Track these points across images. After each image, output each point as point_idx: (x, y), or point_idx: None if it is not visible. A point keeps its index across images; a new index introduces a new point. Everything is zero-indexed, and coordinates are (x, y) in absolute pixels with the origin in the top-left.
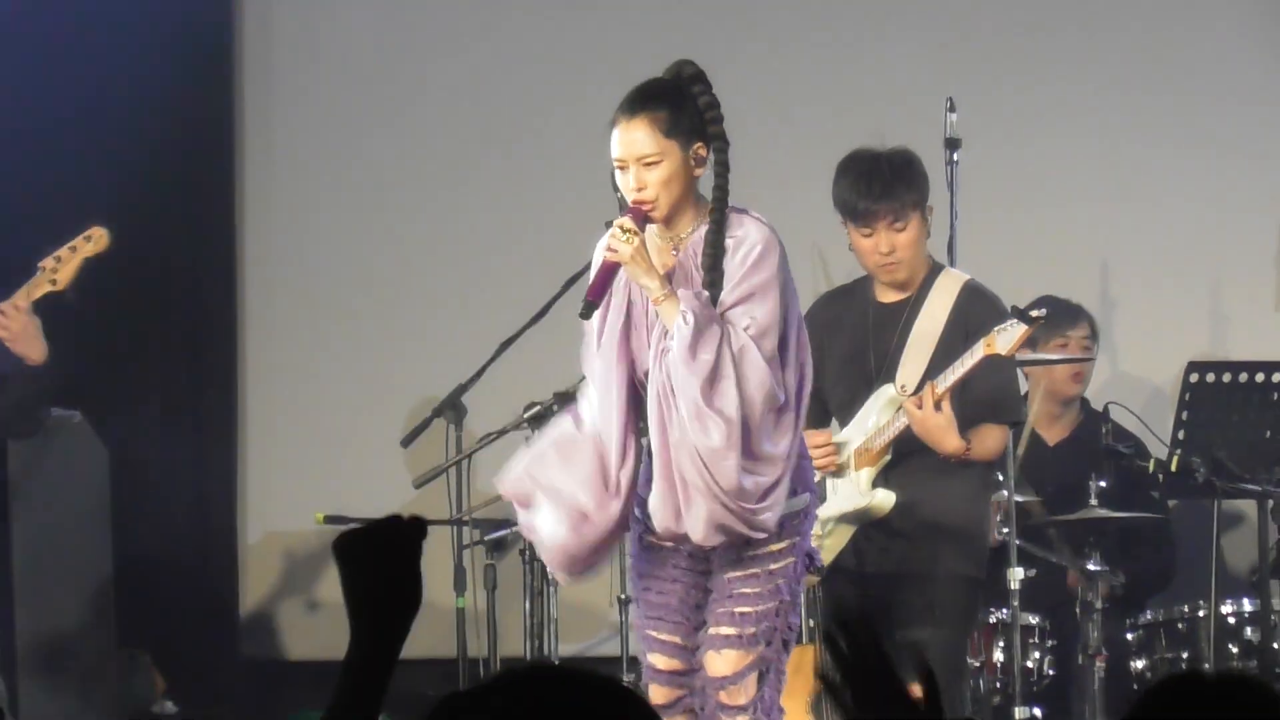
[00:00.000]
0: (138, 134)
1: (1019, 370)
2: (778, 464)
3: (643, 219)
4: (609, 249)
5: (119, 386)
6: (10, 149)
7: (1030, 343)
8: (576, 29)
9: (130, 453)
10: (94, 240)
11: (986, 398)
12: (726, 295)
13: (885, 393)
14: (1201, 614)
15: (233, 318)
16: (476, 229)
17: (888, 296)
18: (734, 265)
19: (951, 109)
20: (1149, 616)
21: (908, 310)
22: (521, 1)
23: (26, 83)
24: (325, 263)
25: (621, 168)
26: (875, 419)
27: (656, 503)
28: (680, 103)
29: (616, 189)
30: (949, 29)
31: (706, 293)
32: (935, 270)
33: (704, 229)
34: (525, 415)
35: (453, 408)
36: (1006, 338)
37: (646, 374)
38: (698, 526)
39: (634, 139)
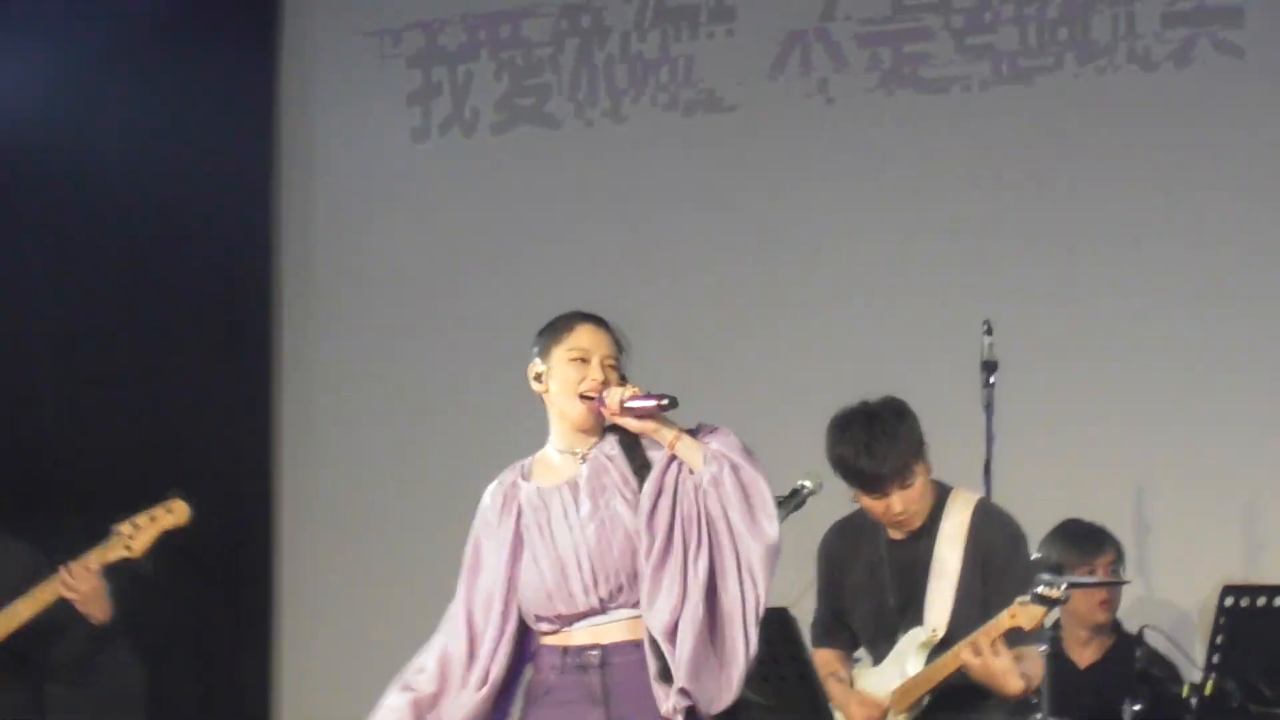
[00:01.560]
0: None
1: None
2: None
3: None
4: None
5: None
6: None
7: (1056, 568)
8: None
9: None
10: (174, 513)
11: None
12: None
13: (917, 637)
14: None
15: (269, 518)
16: (518, 440)
17: (898, 533)
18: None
19: (988, 331)
20: None
21: (922, 544)
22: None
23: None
24: (361, 476)
25: (584, 359)
26: (912, 663)
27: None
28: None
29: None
30: (986, 250)
31: None
32: (944, 494)
33: (610, 440)
34: None
35: None
36: (1029, 614)
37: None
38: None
39: (603, 340)
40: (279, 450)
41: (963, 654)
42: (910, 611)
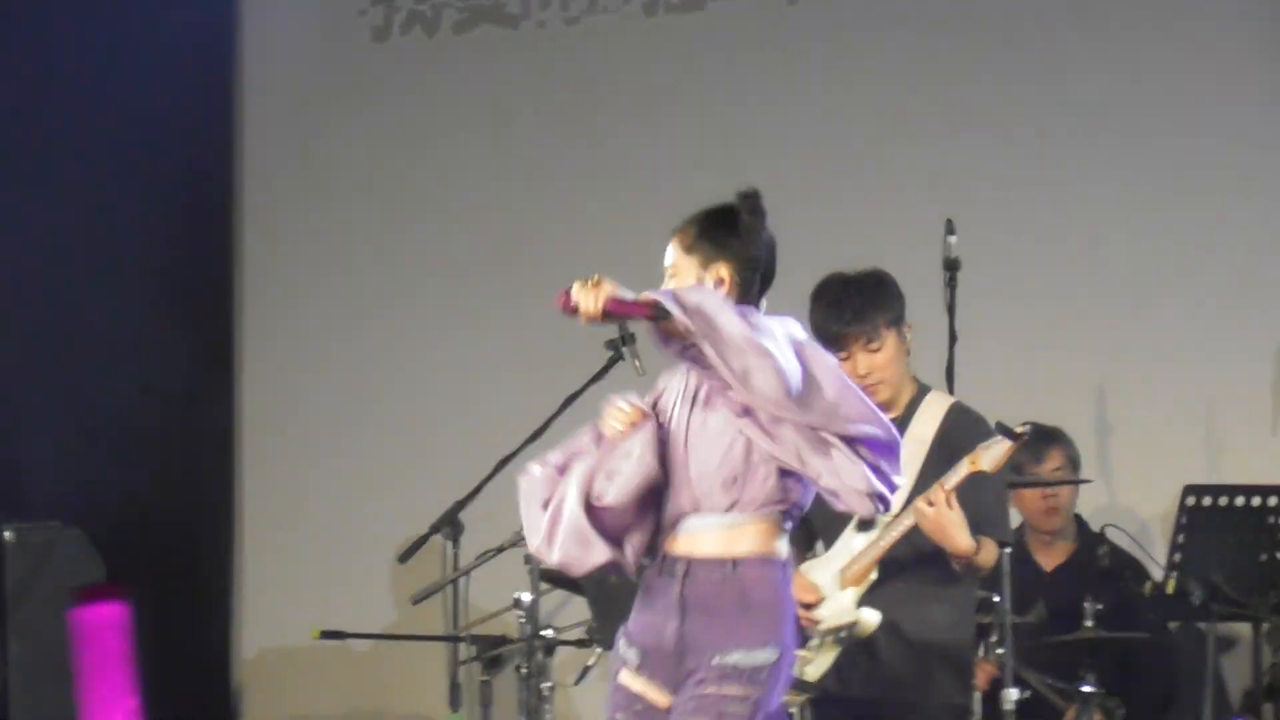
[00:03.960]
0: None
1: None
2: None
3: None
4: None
5: (116, 508)
6: None
7: (1014, 469)
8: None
9: (126, 575)
10: None
11: (974, 516)
12: None
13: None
14: None
15: (230, 437)
16: (476, 346)
17: None
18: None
19: (951, 231)
20: None
21: None
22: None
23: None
24: (323, 380)
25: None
26: (862, 539)
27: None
28: (718, 222)
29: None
30: (950, 150)
31: None
32: (922, 392)
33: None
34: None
35: (450, 524)
36: (991, 455)
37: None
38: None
39: (667, 252)
40: (240, 355)
41: (917, 503)
42: None
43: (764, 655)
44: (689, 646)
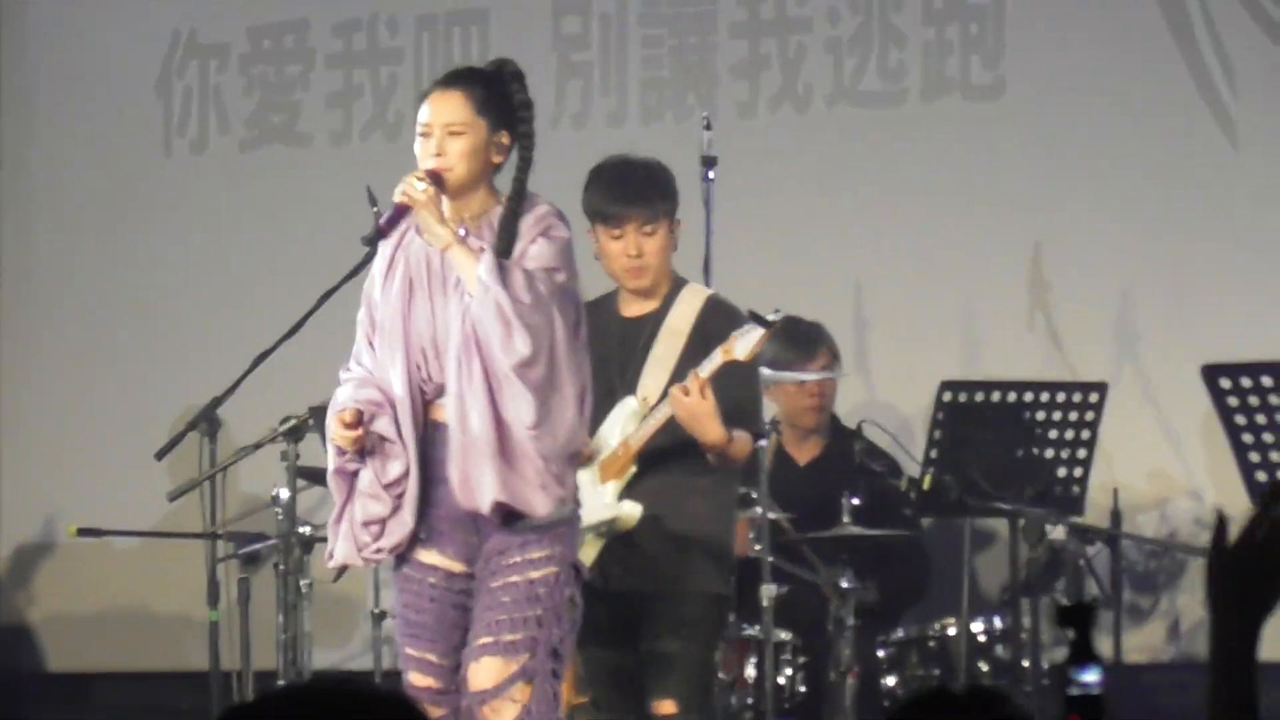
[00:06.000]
0: None
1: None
2: (564, 438)
3: (438, 183)
4: (403, 193)
5: None
6: None
7: (771, 365)
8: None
9: None
10: None
11: (728, 408)
12: (518, 254)
13: (628, 405)
14: (952, 632)
15: None
16: (233, 240)
17: (632, 310)
18: (527, 225)
19: (707, 126)
20: (900, 634)
21: (650, 324)
22: None
23: None
24: (80, 270)
25: (425, 134)
26: (619, 431)
27: (456, 478)
28: (497, 90)
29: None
30: (704, 45)
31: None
32: (679, 285)
33: (496, 211)
34: (280, 429)
35: (207, 420)
36: (744, 343)
37: (424, 351)
38: (486, 494)
39: (444, 107)
40: None
41: (673, 391)
42: (628, 384)
43: (564, 510)
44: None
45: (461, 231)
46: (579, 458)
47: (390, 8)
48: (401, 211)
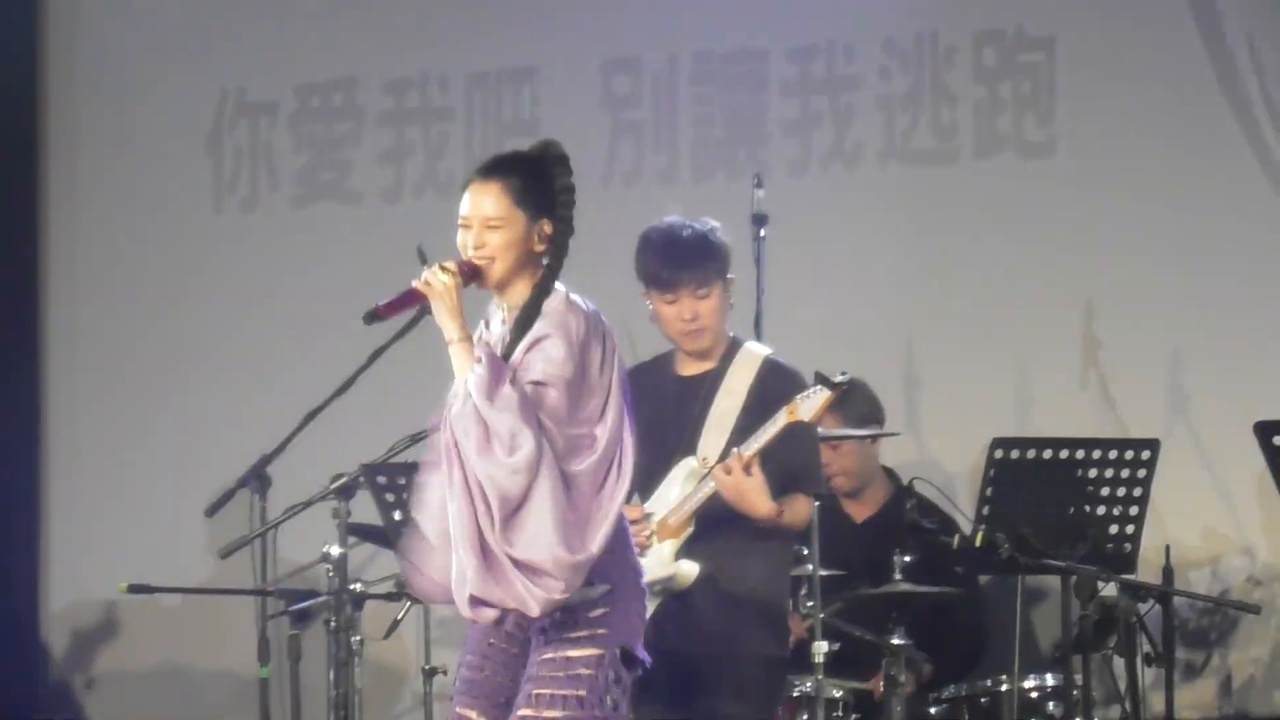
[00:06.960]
0: None
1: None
2: (545, 544)
3: (471, 273)
4: (424, 280)
5: None
6: None
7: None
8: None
9: None
10: None
11: (789, 469)
12: (515, 360)
13: (687, 465)
14: (1004, 688)
15: (37, 387)
16: (284, 298)
17: (688, 369)
18: (537, 327)
19: (759, 184)
20: (952, 691)
21: (708, 383)
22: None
23: None
24: (131, 328)
25: (465, 226)
26: (678, 491)
27: (454, 574)
28: (538, 177)
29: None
30: (757, 102)
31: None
32: (736, 345)
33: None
34: (331, 486)
35: (258, 478)
36: (809, 405)
37: None
38: (464, 589)
39: (482, 200)
40: (47, 302)
41: (715, 471)
42: (686, 445)
43: (591, 592)
44: None
45: (498, 322)
46: (584, 552)
47: (440, 65)
48: (412, 297)
